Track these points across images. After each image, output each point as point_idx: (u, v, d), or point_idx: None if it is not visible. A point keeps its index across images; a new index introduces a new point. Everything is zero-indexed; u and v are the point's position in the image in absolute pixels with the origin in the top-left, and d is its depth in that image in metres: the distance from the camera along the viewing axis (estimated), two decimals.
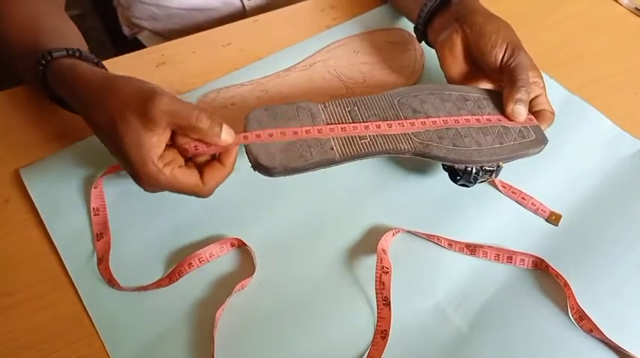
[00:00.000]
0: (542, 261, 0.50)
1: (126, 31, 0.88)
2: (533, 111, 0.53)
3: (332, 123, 0.48)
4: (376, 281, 0.47)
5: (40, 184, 0.54)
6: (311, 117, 0.48)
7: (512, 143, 0.50)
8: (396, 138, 0.48)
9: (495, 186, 0.55)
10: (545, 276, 0.50)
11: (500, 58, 0.53)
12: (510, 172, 0.55)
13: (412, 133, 0.48)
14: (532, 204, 0.54)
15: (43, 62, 0.49)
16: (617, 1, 0.77)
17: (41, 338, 0.46)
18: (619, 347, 0.45)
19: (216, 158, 0.46)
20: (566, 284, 0.48)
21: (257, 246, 0.50)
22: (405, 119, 0.49)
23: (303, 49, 0.68)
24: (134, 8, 0.82)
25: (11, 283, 0.48)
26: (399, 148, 0.47)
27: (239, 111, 0.61)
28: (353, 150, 0.46)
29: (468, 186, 0.52)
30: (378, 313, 0.46)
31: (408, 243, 0.51)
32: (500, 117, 0.52)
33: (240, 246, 0.51)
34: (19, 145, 0.57)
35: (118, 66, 0.63)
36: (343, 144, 0.47)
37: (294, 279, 0.49)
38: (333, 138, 0.47)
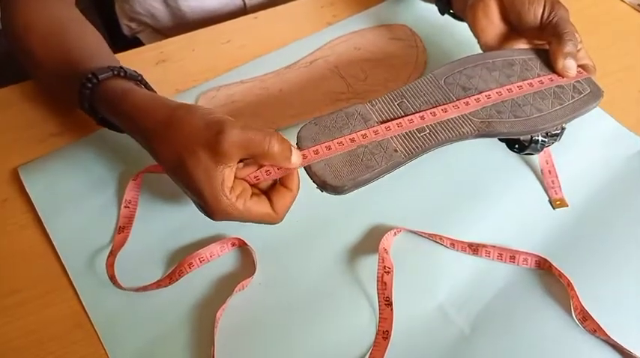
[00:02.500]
0: (546, 260, 0.49)
1: (125, 30, 0.87)
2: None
3: (385, 121, 0.47)
4: (378, 281, 0.47)
5: (39, 183, 0.53)
6: (363, 120, 0.46)
7: (571, 101, 0.49)
8: (454, 122, 0.47)
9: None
10: (548, 276, 0.49)
11: (539, 14, 0.52)
12: (513, 169, 0.54)
13: (470, 113, 0.47)
14: (552, 181, 0.54)
15: (89, 86, 0.48)
16: None
17: (40, 338, 0.45)
18: (623, 348, 0.45)
19: (280, 183, 0.44)
20: (569, 284, 0.48)
21: (258, 246, 0.50)
22: (458, 99, 0.48)
23: (303, 46, 0.67)
24: (134, 2, 0.81)
25: (9, 283, 0.48)
26: (461, 133, 0.46)
27: (239, 109, 0.60)
28: (416, 145, 0.45)
29: (532, 154, 0.52)
30: (379, 313, 0.46)
31: (410, 243, 0.51)
32: (551, 75, 0.51)
33: (241, 245, 0.50)
34: (17, 143, 0.57)
35: None
36: (405, 142, 0.45)
37: (295, 279, 0.49)
38: (393, 138, 0.45)
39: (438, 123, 0.47)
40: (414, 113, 0.47)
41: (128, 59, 0.64)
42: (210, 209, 0.41)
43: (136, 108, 0.45)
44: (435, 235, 0.51)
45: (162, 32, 0.84)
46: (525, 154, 0.52)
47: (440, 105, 0.48)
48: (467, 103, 0.48)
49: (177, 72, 0.64)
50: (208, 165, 0.40)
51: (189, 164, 0.40)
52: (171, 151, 0.41)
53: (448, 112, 0.47)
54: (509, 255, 0.50)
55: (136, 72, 0.51)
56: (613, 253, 0.51)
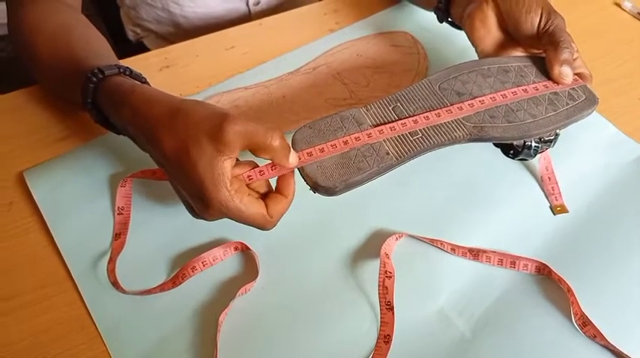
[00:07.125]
0: (546, 266, 0.50)
1: (130, 35, 0.88)
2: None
3: (379, 125, 0.47)
4: (379, 285, 0.47)
5: (44, 187, 0.54)
6: (357, 124, 0.47)
7: (565, 108, 0.49)
8: (447, 126, 0.47)
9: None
10: (548, 282, 0.50)
11: (537, 23, 0.52)
12: (514, 175, 0.55)
13: (463, 118, 0.47)
14: (552, 187, 0.55)
15: (94, 80, 0.48)
16: (620, 6, 0.77)
17: (44, 341, 0.46)
18: (623, 354, 0.45)
19: (276, 190, 0.45)
20: (569, 289, 0.48)
21: (260, 250, 0.50)
22: (452, 104, 0.48)
23: (306, 52, 0.68)
24: (140, 9, 0.82)
25: (14, 286, 0.48)
26: (453, 137, 0.46)
27: (242, 114, 0.61)
28: (408, 149, 0.45)
29: (527, 160, 0.51)
30: (381, 318, 0.46)
31: (411, 248, 0.51)
32: (546, 82, 0.51)
33: (244, 249, 0.51)
34: (22, 148, 0.57)
35: None
36: (397, 145, 0.46)
37: (297, 283, 0.49)
38: (385, 141, 0.46)
39: (430, 127, 0.47)
40: (407, 117, 0.47)
41: (132, 65, 0.64)
42: (208, 200, 0.41)
43: (142, 99, 0.45)
44: (436, 240, 0.51)
45: (167, 38, 0.85)
46: (519, 160, 0.53)
47: (433, 110, 0.48)
48: (460, 108, 0.48)
49: (182, 78, 0.65)
50: (212, 154, 0.40)
51: (192, 153, 0.40)
52: (176, 139, 0.41)
53: (441, 117, 0.47)
54: (509, 261, 0.50)
55: (140, 74, 0.51)
56: (613, 259, 0.51)
